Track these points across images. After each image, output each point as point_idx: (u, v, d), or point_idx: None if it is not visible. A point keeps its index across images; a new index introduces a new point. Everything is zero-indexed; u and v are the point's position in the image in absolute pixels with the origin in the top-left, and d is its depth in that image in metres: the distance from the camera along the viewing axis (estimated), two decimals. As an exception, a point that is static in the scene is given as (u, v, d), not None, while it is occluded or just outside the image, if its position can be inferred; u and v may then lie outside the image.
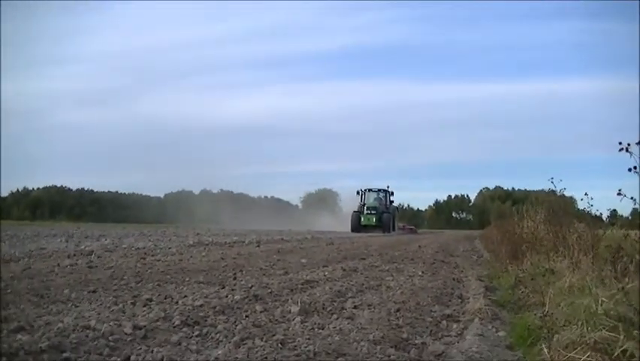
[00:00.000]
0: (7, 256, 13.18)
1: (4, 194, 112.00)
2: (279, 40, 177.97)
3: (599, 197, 11.18)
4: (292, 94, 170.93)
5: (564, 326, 5.99)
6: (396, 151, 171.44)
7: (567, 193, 14.12)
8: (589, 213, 11.61)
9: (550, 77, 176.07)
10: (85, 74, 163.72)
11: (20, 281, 9.14)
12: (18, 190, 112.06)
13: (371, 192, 59.82)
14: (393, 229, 56.50)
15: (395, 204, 61.68)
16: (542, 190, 18.69)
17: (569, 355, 4.98)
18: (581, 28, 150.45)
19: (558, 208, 13.64)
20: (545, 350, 5.31)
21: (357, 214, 56.52)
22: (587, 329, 5.59)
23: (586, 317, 6.01)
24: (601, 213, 12.10)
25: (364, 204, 57.89)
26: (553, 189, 13.40)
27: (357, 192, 60.00)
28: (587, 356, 4.88)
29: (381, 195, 59.80)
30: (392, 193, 60.31)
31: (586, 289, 7.66)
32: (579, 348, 5.07)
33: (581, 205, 12.83)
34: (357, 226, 54.56)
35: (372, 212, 55.99)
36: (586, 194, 10.99)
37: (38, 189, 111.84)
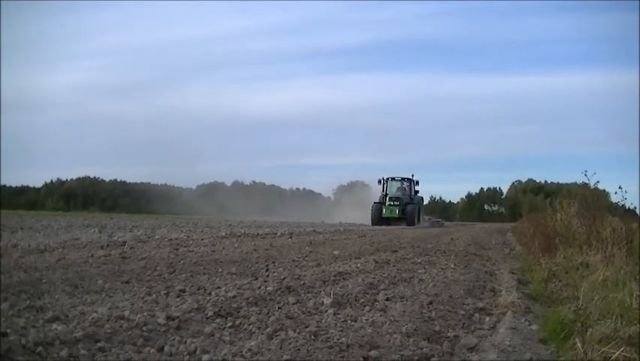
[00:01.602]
0: (41, 246, 13.29)
1: (38, 185, 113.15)
2: (307, 34, 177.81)
3: (633, 191, 11.09)
4: (324, 87, 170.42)
5: (598, 320, 5.97)
6: (428, 144, 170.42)
7: (600, 186, 14.03)
8: (623, 207, 11.53)
9: (583, 69, 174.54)
10: (117, 67, 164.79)
11: (55, 271, 9.20)
12: (52, 181, 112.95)
13: (394, 181, 54.57)
14: (419, 222, 51.59)
15: (424, 195, 58.05)
16: (575, 183, 18.58)
17: (603, 349, 4.95)
18: (611, 21, 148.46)
19: (591, 201, 13.55)
20: (579, 344, 5.28)
21: (379, 205, 51.56)
22: (622, 323, 5.56)
23: (620, 311, 5.98)
24: (635, 207, 12.01)
25: (386, 195, 52.74)
26: (587, 182, 13.32)
27: (379, 181, 54.42)
28: (622, 351, 4.85)
29: (405, 184, 54.43)
30: (417, 182, 54.55)
31: (620, 283, 7.63)
32: (613, 343, 5.04)
33: (614, 199, 12.75)
34: (379, 219, 49.94)
35: (395, 203, 51.05)
36: (620, 187, 10.90)
37: (72, 180, 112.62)
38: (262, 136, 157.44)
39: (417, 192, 54.58)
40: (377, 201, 52.61)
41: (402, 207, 50.60)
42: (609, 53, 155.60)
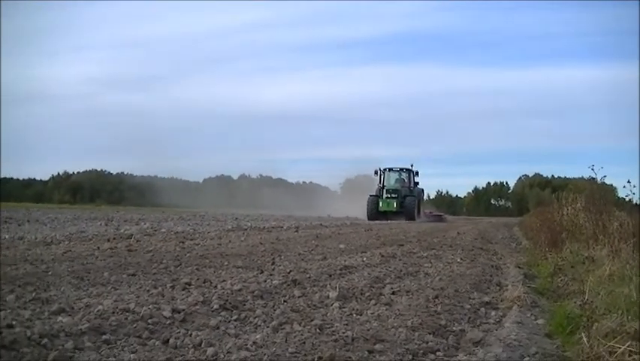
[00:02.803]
0: (48, 239, 13.36)
1: (45, 178, 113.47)
2: (318, 26, 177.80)
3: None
4: (332, 79, 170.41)
5: (604, 314, 5.95)
6: (435, 138, 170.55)
7: (607, 181, 14.00)
8: (630, 202, 11.51)
9: (590, 64, 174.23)
10: (124, 60, 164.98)
11: (61, 264, 9.25)
12: (59, 174, 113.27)
13: (392, 172, 50.49)
14: (419, 215, 47.91)
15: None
16: (582, 178, 18.57)
17: (609, 344, 4.93)
18: (619, 15, 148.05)
19: (598, 196, 13.52)
20: (585, 338, 5.26)
21: (375, 198, 47.87)
22: (628, 318, 5.54)
23: (626, 306, 5.96)
24: (642, 201, 11.98)
25: (383, 187, 48.68)
26: (594, 176, 13.29)
27: (375, 172, 50.08)
28: (627, 346, 4.83)
29: (404, 175, 50.38)
30: (417, 173, 50.34)
31: (626, 277, 7.61)
32: (619, 337, 5.03)
33: (622, 193, 12.72)
34: (375, 213, 46.34)
35: (393, 195, 47.27)
36: (628, 181, 10.86)
37: (79, 173, 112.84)
38: (271, 129, 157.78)
39: (417, 183, 50.66)
40: (373, 193, 49.05)
41: (400, 199, 47.02)
42: (618, 46, 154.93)
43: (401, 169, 50.72)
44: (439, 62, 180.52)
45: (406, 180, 50.01)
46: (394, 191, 47.65)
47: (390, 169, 50.49)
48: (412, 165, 50.51)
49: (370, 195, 48.46)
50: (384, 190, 48.23)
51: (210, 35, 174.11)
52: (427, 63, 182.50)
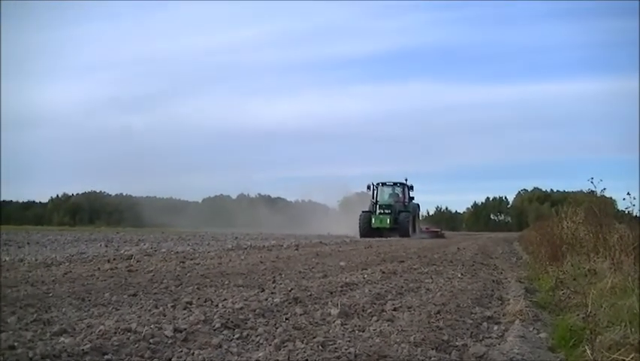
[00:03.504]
0: (48, 260, 13.36)
1: (45, 200, 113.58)
2: (315, 44, 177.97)
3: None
4: (328, 97, 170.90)
5: (607, 327, 5.95)
6: (433, 154, 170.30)
7: (607, 194, 14.00)
8: (629, 214, 11.51)
9: (586, 76, 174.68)
10: (120, 79, 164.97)
11: (62, 285, 9.25)
12: (58, 196, 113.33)
13: (385, 187, 48.98)
14: (414, 232, 46.27)
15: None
16: (581, 191, 18.56)
17: (613, 356, 4.94)
18: (616, 27, 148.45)
19: (598, 209, 13.52)
20: (588, 351, 5.26)
21: (368, 215, 46.24)
22: (631, 330, 5.54)
23: (629, 318, 5.96)
24: (642, 214, 11.96)
25: (377, 202, 47.18)
26: (593, 189, 13.30)
27: (368, 187, 48.77)
28: (631, 358, 4.83)
29: (398, 189, 49.00)
30: (412, 187, 49.11)
31: (628, 289, 7.61)
32: (623, 349, 5.03)
33: (621, 206, 12.72)
34: (368, 230, 44.65)
35: (387, 211, 45.70)
36: (628, 194, 10.87)
37: (78, 194, 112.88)
38: (268, 148, 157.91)
39: (412, 198, 49.42)
40: (366, 210, 47.38)
41: (394, 215, 45.59)
42: (615, 58, 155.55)
43: (395, 183, 49.39)
44: (435, 78, 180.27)
45: (400, 195, 48.78)
46: (388, 206, 46.31)
47: (383, 184, 49.08)
48: (406, 180, 49.52)
49: (363, 212, 47.09)
50: (377, 206, 46.80)
51: (207, 54, 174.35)
52: (422, 79, 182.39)
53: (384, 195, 48.39)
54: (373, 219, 45.49)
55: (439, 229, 54.83)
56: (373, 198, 47.95)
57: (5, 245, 19.72)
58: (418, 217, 51.61)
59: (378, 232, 43.89)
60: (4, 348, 4.75)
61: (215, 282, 10.15)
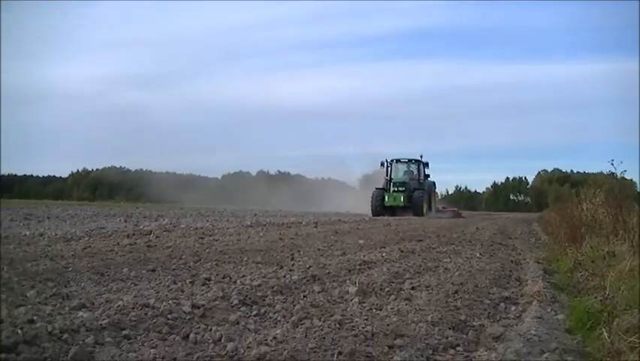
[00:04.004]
0: (68, 235, 13.42)
1: (65, 175, 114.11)
2: (334, 23, 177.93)
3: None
4: (348, 76, 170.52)
5: (625, 310, 5.91)
6: (454, 133, 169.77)
7: (627, 176, 13.91)
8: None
9: (609, 57, 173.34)
10: (143, 57, 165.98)
11: (81, 260, 9.29)
12: (78, 171, 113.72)
13: (399, 164, 46.42)
14: (430, 210, 43.97)
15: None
16: (601, 173, 18.43)
17: (630, 339, 4.90)
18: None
19: (618, 191, 13.44)
20: (605, 334, 5.23)
21: (381, 192, 43.96)
22: (649, 313, 5.50)
23: (647, 301, 5.92)
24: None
25: (391, 179, 44.71)
26: (613, 171, 13.21)
27: (382, 164, 45.77)
28: (649, 341, 4.80)
29: (413, 166, 46.31)
30: (427, 164, 46.19)
31: (647, 273, 7.55)
32: (640, 332, 4.99)
33: (642, 188, 12.64)
34: (380, 208, 42.60)
35: (400, 189, 43.29)
36: (649, 175, 10.79)
37: (98, 170, 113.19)
38: (288, 125, 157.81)
39: (427, 175, 46.37)
40: (379, 187, 44.97)
41: (408, 193, 43.01)
42: (637, 39, 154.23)
43: (409, 160, 46.83)
44: (456, 58, 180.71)
45: (415, 172, 46.10)
46: (402, 184, 43.91)
47: (397, 160, 46.56)
48: (421, 156, 46.76)
49: (376, 189, 44.96)
50: (391, 183, 44.51)
51: (226, 33, 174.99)
52: (443, 59, 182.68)
53: (399, 173, 46.14)
54: (386, 197, 43.46)
55: (456, 209, 52.28)
56: (387, 175, 45.43)
57: (25, 219, 19.82)
58: (435, 196, 49.52)
59: (392, 211, 41.97)
60: (23, 322, 4.78)
61: (234, 258, 10.17)
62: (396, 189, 43.58)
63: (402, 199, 42.73)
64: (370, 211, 42.85)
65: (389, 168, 45.58)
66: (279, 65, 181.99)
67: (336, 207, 49.65)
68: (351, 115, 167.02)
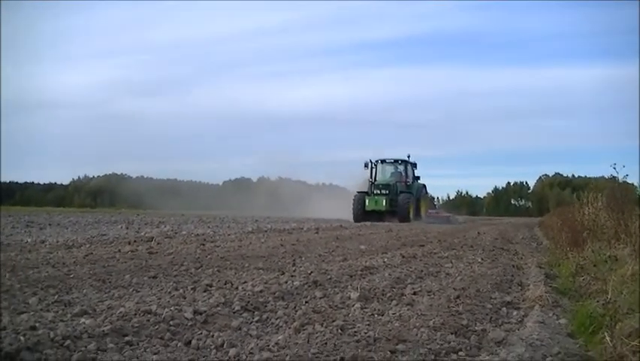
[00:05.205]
0: (69, 242, 13.43)
1: (66, 182, 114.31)
2: (336, 29, 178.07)
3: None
4: (350, 82, 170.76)
5: (627, 314, 5.91)
6: (454, 138, 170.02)
7: (629, 180, 13.92)
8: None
9: (611, 62, 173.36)
10: (143, 65, 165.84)
11: (83, 266, 9.29)
12: (79, 178, 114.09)
13: (385, 164, 43.14)
14: (418, 215, 40.33)
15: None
16: (603, 177, 18.45)
17: (633, 343, 4.90)
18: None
19: (620, 195, 13.44)
20: (608, 338, 5.23)
21: (362, 196, 40.54)
22: (651, 317, 5.50)
23: (650, 305, 5.92)
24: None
25: (374, 182, 41.64)
26: (615, 175, 13.22)
27: (366, 165, 42.19)
28: (652, 345, 4.80)
29: (400, 167, 42.88)
30: (415, 165, 43.13)
31: (650, 276, 7.55)
32: (643, 337, 4.99)
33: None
34: (362, 213, 39.33)
35: (383, 192, 40.16)
36: (650, 179, 10.81)
37: (99, 177, 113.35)
38: (289, 132, 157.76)
39: (417, 177, 43.34)
40: (361, 190, 41.65)
41: (392, 196, 39.72)
42: (635, 44, 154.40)
43: (396, 160, 43.33)
44: (459, 63, 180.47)
45: (402, 174, 42.62)
46: (385, 186, 40.63)
47: (383, 161, 43.23)
48: (408, 156, 43.11)
49: (358, 192, 41.55)
50: (374, 186, 41.34)
51: (228, 39, 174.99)
52: (446, 64, 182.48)
53: (385, 174, 42.95)
54: (367, 201, 40.12)
55: (449, 214, 46.42)
56: (371, 176, 42.18)
57: (27, 226, 19.87)
58: (427, 199, 45.38)
59: (378, 216, 38.76)
60: (25, 329, 4.78)
61: (235, 264, 10.17)
62: (378, 191, 40.64)
63: (384, 203, 39.68)
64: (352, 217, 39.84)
65: (374, 170, 42.61)
66: (279, 72, 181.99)
67: (337, 213, 47.08)
68: (355, 121, 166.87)
